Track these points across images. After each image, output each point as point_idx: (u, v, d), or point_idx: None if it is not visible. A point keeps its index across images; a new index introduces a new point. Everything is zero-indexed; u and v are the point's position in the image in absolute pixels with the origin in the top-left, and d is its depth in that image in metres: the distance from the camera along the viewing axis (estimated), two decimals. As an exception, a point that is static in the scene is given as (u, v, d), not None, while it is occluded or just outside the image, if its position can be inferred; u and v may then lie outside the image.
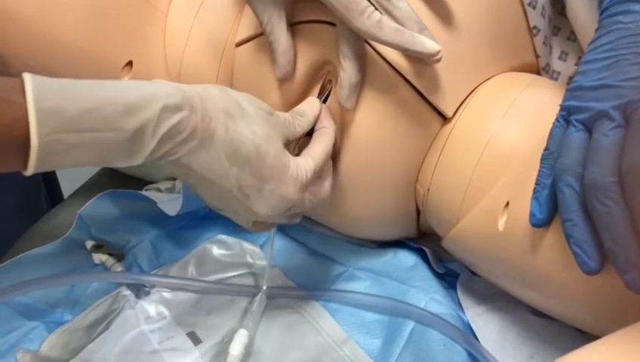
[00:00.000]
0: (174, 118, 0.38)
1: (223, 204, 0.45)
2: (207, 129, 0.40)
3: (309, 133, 0.49)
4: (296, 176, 0.44)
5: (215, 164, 0.41)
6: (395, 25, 0.45)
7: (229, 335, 0.51)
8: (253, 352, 0.50)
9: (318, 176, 0.47)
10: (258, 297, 0.53)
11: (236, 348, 0.48)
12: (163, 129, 0.37)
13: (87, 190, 0.73)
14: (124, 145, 0.36)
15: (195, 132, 0.39)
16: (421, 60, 0.47)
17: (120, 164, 0.38)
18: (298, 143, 0.49)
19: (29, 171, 0.34)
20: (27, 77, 0.34)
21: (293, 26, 0.50)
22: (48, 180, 0.88)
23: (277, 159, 0.43)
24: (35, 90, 0.33)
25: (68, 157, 0.35)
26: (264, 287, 0.53)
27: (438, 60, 0.45)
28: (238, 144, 0.41)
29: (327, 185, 0.48)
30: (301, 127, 0.47)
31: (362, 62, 0.48)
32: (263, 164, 0.42)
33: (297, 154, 0.47)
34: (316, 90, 0.52)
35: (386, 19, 0.45)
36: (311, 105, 0.49)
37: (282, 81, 0.50)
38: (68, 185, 0.81)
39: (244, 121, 0.42)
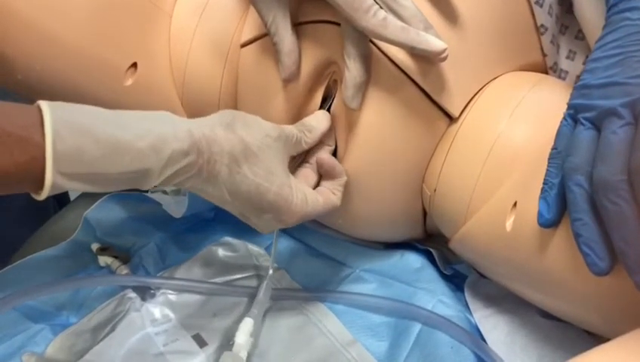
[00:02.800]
0: (181, 163, 0.40)
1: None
2: (211, 170, 0.42)
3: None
4: (297, 211, 0.46)
5: (217, 197, 0.44)
6: (401, 23, 0.45)
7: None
8: (258, 353, 0.50)
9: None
10: (264, 284, 0.52)
11: (241, 336, 0.48)
12: (169, 171, 0.39)
13: (93, 192, 0.73)
14: (130, 181, 0.39)
15: (200, 172, 0.41)
16: (427, 60, 0.47)
17: (122, 190, 0.40)
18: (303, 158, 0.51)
19: (39, 198, 0.36)
20: (46, 113, 0.35)
21: (297, 26, 0.50)
22: None
23: (277, 195, 0.44)
24: (54, 130, 0.34)
25: (76, 189, 0.37)
26: (270, 272, 0.53)
27: (444, 59, 0.45)
28: (239, 185, 0.43)
29: (337, 198, 0.50)
30: (307, 143, 0.49)
31: (367, 61, 0.47)
32: (262, 200, 0.44)
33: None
34: (321, 90, 0.52)
35: (391, 17, 0.45)
36: (319, 120, 0.50)
37: (287, 81, 0.50)
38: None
39: (248, 162, 0.43)
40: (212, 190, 0.43)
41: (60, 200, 0.87)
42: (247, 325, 0.49)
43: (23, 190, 0.36)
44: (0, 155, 0.33)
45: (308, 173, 0.50)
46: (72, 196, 0.79)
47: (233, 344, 0.48)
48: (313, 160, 0.51)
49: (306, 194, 0.47)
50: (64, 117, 0.35)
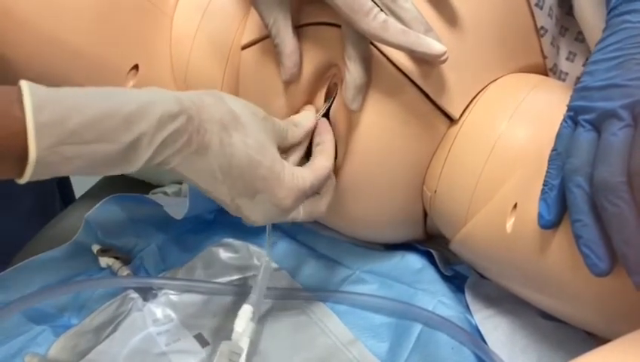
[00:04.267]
0: (171, 127, 0.38)
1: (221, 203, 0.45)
2: (201, 141, 0.40)
3: (307, 156, 0.49)
4: (290, 186, 0.44)
5: (208, 176, 0.41)
6: (401, 26, 0.45)
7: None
8: (259, 353, 0.50)
9: (317, 191, 0.47)
10: (262, 268, 0.51)
11: (240, 324, 0.47)
12: (159, 138, 0.37)
13: (95, 193, 0.73)
14: (120, 155, 0.36)
15: (190, 141, 0.39)
16: (427, 62, 0.47)
17: (114, 172, 0.38)
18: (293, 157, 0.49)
19: (23, 181, 0.35)
20: (25, 88, 0.33)
21: (298, 28, 0.50)
22: (61, 183, 0.88)
23: (270, 170, 0.43)
24: (34, 103, 0.33)
25: (63, 169, 0.35)
26: (267, 258, 0.52)
27: (444, 61, 0.45)
28: (231, 157, 0.41)
29: (324, 203, 0.49)
30: (293, 137, 0.47)
31: (368, 63, 0.48)
32: (255, 175, 0.42)
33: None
34: (322, 92, 0.52)
35: (391, 20, 0.45)
36: (306, 117, 0.50)
37: (288, 83, 0.50)
38: (81, 188, 0.82)
39: (238, 132, 0.42)
40: (202, 165, 0.40)
41: (66, 201, 0.87)
42: (246, 312, 0.48)
43: (5, 173, 0.34)
44: None
45: None
46: (77, 195, 0.80)
47: (233, 331, 0.47)
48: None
49: (294, 171, 0.45)
50: (44, 92, 0.34)
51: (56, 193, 0.86)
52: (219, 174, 0.41)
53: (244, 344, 0.47)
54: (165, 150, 0.38)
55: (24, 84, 0.34)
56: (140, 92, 0.38)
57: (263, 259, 0.52)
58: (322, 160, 0.48)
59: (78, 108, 0.34)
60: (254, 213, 0.44)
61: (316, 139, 0.50)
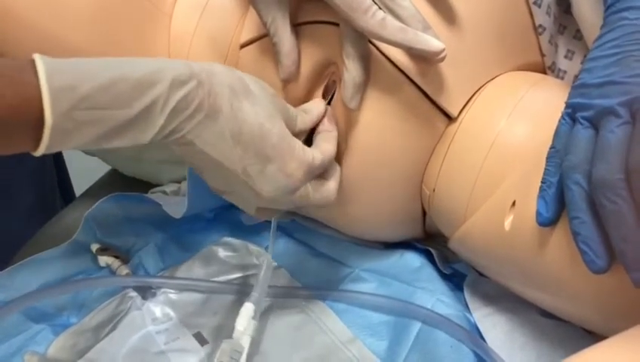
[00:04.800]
0: (182, 91, 0.38)
1: (228, 186, 0.45)
2: (212, 105, 0.40)
3: (309, 142, 0.49)
4: (302, 157, 0.44)
5: (220, 141, 0.41)
6: (399, 24, 0.45)
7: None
8: (259, 352, 0.50)
9: (322, 174, 0.47)
10: (264, 265, 0.51)
11: (242, 322, 0.47)
12: (172, 103, 0.38)
13: (95, 193, 0.73)
14: (134, 121, 0.37)
15: (201, 106, 0.39)
16: (426, 60, 0.47)
17: (127, 142, 0.38)
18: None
19: (40, 151, 0.35)
20: (37, 57, 0.34)
21: (297, 26, 0.50)
22: (62, 182, 0.89)
23: (281, 138, 0.43)
24: (47, 69, 0.33)
25: (77, 137, 0.35)
26: (269, 256, 0.52)
27: (442, 59, 0.45)
28: (242, 122, 0.41)
29: (332, 185, 0.48)
30: (303, 123, 0.47)
31: (366, 61, 0.48)
32: (266, 143, 0.42)
33: None
34: (320, 90, 0.52)
35: (389, 17, 0.45)
36: (316, 104, 0.50)
37: (286, 81, 0.50)
38: (81, 187, 0.82)
39: (248, 100, 0.42)
40: (214, 129, 0.40)
41: (67, 199, 0.87)
42: (247, 310, 0.47)
43: (22, 144, 0.34)
44: None
45: None
46: (78, 193, 0.80)
47: (234, 329, 0.46)
48: None
49: (303, 146, 0.45)
50: (56, 61, 0.34)
51: (57, 192, 0.86)
52: (230, 140, 0.41)
53: (246, 342, 0.47)
54: (178, 116, 0.38)
55: (36, 55, 0.34)
56: (150, 59, 0.39)
57: (265, 256, 0.52)
58: (328, 145, 0.48)
59: (90, 74, 0.35)
60: (265, 184, 0.43)
61: (320, 128, 0.49)
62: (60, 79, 0.34)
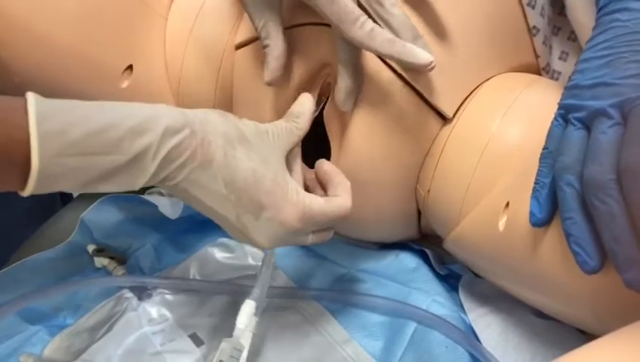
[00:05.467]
0: (175, 140, 0.38)
1: (228, 230, 0.45)
2: (206, 153, 0.40)
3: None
4: (295, 202, 0.43)
5: (213, 189, 0.41)
6: (388, 35, 0.45)
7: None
8: (255, 352, 0.50)
9: (328, 225, 0.47)
10: (266, 257, 0.50)
11: (242, 320, 0.46)
12: (164, 151, 0.37)
13: (92, 193, 0.73)
14: (124, 168, 0.36)
15: (194, 155, 0.39)
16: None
17: (117, 188, 0.38)
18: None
19: (26, 193, 0.35)
20: (30, 97, 0.34)
21: (291, 28, 0.50)
22: None
23: (275, 184, 0.42)
24: (38, 112, 0.33)
25: (66, 181, 0.35)
26: (270, 252, 0.50)
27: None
28: (235, 170, 0.41)
29: (331, 232, 0.48)
30: (299, 129, 0.46)
31: (358, 67, 0.48)
32: (260, 189, 0.42)
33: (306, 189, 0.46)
34: (316, 92, 0.52)
35: (378, 28, 0.45)
36: (303, 104, 0.47)
37: (270, 85, 0.49)
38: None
39: (242, 146, 0.42)
40: (207, 178, 0.40)
41: (65, 201, 0.87)
42: (248, 307, 0.47)
43: (9, 183, 0.34)
44: None
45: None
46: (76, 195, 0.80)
47: (235, 328, 0.46)
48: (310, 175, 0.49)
49: (298, 189, 0.44)
50: (49, 102, 0.34)
51: (57, 194, 0.86)
52: (223, 188, 0.41)
53: (246, 340, 0.46)
54: (170, 164, 0.38)
55: (29, 95, 0.34)
56: (145, 105, 0.38)
57: (270, 252, 0.51)
58: (343, 199, 0.46)
59: (82, 119, 0.35)
60: (260, 234, 0.43)
61: (330, 191, 0.48)
62: (51, 123, 0.33)
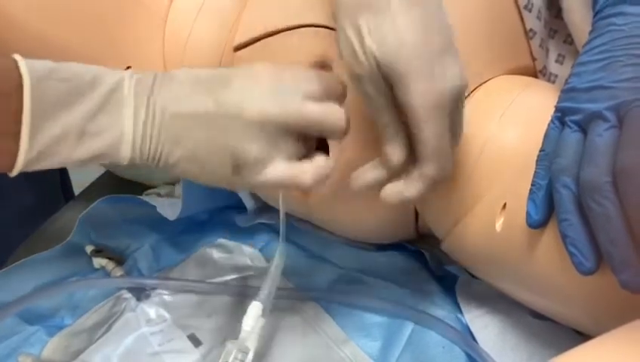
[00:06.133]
0: (137, 75, 0.40)
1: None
2: (168, 74, 0.41)
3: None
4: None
5: (185, 93, 0.41)
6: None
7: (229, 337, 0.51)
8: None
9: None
10: (277, 255, 0.48)
11: (248, 322, 0.45)
12: (134, 80, 0.39)
13: (90, 194, 0.73)
14: (105, 100, 0.38)
15: (157, 75, 0.40)
16: None
17: (108, 133, 0.38)
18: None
19: (24, 129, 0.36)
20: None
21: (292, 29, 0.50)
22: (63, 180, 0.88)
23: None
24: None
25: (55, 121, 0.37)
26: (281, 243, 0.49)
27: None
28: (197, 72, 0.42)
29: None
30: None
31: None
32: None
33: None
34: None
35: None
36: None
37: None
38: (79, 187, 0.82)
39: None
40: (177, 86, 0.40)
41: (68, 199, 0.87)
42: (255, 309, 0.46)
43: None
44: None
45: None
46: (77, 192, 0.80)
47: (241, 330, 0.45)
48: None
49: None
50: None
51: (60, 191, 0.86)
52: (189, 86, 0.41)
53: (252, 343, 0.45)
54: (144, 89, 0.40)
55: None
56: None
57: (279, 253, 0.49)
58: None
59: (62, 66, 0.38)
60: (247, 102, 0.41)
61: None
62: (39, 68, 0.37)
